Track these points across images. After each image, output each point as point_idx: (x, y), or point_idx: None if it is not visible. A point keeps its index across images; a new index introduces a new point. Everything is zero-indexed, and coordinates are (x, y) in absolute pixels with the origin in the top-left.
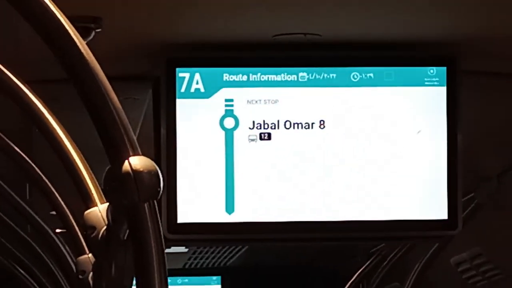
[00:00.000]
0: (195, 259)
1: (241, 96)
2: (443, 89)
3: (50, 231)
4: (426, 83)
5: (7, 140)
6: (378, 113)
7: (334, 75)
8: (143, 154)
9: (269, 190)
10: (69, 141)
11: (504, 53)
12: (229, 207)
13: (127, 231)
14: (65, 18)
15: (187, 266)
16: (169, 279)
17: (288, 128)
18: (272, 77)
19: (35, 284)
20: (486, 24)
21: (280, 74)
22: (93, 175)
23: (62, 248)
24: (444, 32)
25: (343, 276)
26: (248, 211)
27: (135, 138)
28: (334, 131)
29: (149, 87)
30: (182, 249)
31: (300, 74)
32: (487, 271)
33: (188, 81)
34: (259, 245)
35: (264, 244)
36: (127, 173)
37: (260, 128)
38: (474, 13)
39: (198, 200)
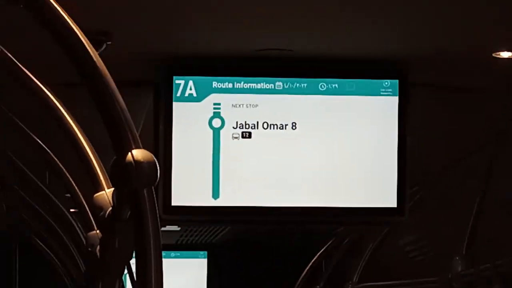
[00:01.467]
0: (185, 236)
1: (227, 101)
2: (396, 99)
3: (65, 210)
4: (382, 93)
5: (32, 135)
6: (341, 117)
7: (305, 84)
8: (144, 148)
9: (248, 180)
10: (82, 135)
11: (447, 69)
12: (215, 194)
13: (129, 212)
14: (82, 33)
15: (179, 242)
16: (164, 253)
17: (265, 128)
18: (253, 85)
19: (53, 255)
20: (429, 45)
21: (260, 82)
22: (101, 164)
23: (75, 225)
24: (397, 50)
25: (308, 254)
26: (230, 197)
27: (137, 133)
28: (304, 132)
29: (151, 91)
30: (175, 227)
31: (277, 83)
32: (427, 250)
33: (183, 87)
34: (239, 226)
35: (243, 225)
36: (130, 163)
37: (242, 128)
38: (419, 37)
39: (189, 186)
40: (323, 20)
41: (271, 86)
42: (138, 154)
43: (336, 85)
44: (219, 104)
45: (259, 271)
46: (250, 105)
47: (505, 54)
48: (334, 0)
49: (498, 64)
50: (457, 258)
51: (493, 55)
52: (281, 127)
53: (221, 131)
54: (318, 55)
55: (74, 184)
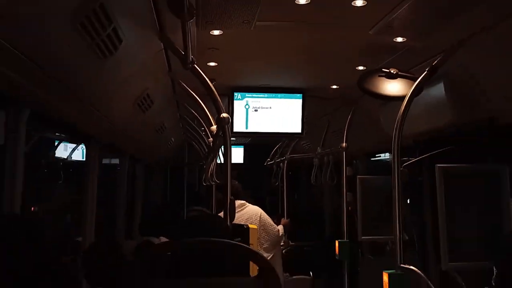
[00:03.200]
0: (236, 140)
1: (252, 100)
2: (300, 101)
3: (200, 132)
4: (297, 98)
5: (193, 132)
6: (287, 105)
7: (275, 95)
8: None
9: (257, 123)
10: (209, 113)
11: (321, 92)
12: (246, 127)
13: (221, 132)
14: (208, 79)
15: (234, 143)
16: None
17: (262, 109)
18: (259, 95)
19: (198, 146)
20: (314, 83)
21: (261, 94)
22: (213, 120)
23: (204, 136)
24: (303, 83)
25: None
26: (251, 128)
27: (224, 110)
28: (275, 111)
29: (227, 98)
30: (233, 139)
31: (266, 94)
32: (311, 146)
33: (237, 96)
34: (253, 137)
35: (254, 137)
36: (222, 117)
37: (255, 108)
38: (311, 80)
39: (239, 125)
40: (279, 74)
41: (264, 96)
42: (224, 115)
43: (284, 95)
44: (248, 101)
45: (260, 152)
46: (257, 101)
47: (334, 86)
48: (280, 68)
49: (334, 94)
50: (319, 148)
51: (330, 86)
52: (268, 108)
53: (248, 109)
54: (278, 86)
55: (205, 126)
